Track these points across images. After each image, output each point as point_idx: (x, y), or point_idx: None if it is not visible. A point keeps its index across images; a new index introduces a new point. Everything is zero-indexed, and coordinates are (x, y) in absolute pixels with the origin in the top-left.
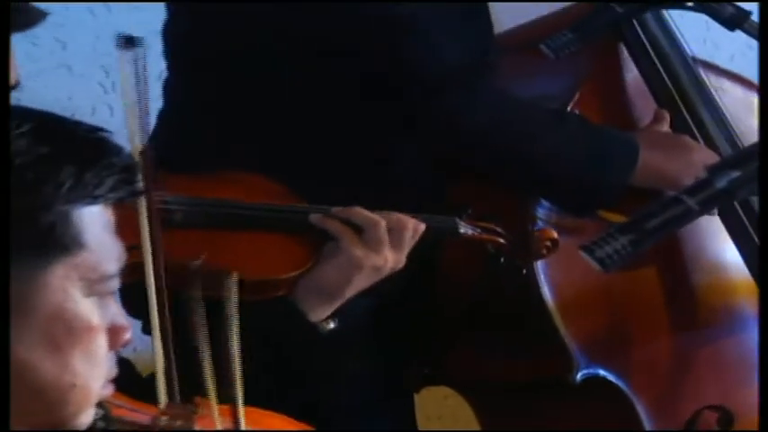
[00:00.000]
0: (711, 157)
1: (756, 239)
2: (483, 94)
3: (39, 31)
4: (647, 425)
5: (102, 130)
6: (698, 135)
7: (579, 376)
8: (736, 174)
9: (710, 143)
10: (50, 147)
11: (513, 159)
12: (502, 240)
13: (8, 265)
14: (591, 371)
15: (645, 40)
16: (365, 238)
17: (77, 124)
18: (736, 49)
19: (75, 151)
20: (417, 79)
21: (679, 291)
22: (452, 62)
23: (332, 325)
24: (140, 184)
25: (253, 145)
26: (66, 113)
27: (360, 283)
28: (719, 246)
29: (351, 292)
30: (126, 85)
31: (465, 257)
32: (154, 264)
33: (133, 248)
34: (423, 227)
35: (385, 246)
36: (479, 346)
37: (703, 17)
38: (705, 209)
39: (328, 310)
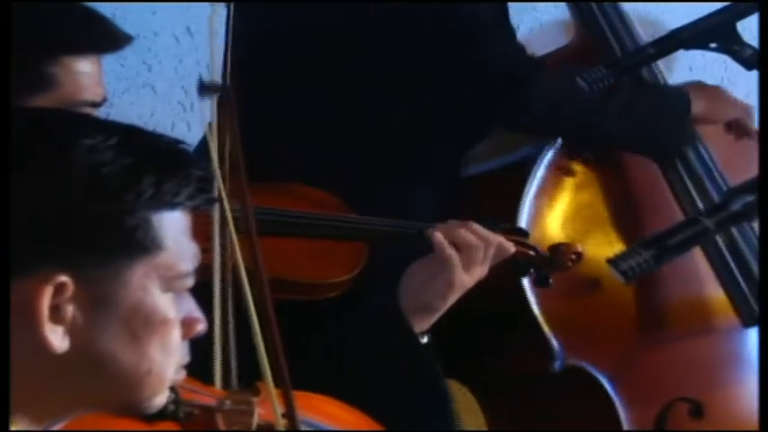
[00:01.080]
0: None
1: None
2: (550, 81)
3: (127, 53)
4: (622, 414)
5: (181, 142)
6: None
7: (558, 366)
8: (750, 198)
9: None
10: (134, 158)
11: (586, 131)
12: (532, 252)
13: (8, 265)
14: (572, 362)
15: None
16: (465, 260)
17: (159, 137)
18: (751, 88)
19: (156, 162)
20: (500, 74)
21: (655, 296)
22: (520, 58)
23: (425, 339)
24: (215, 194)
25: (313, 159)
26: (149, 128)
27: (453, 299)
28: (696, 261)
29: (446, 306)
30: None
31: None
32: (221, 265)
33: (205, 251)
34: (511, 247)
35: (478, 265)
36: (483, 343)
37: (722, 57)
38: (721, 229)
39: (428, 324)
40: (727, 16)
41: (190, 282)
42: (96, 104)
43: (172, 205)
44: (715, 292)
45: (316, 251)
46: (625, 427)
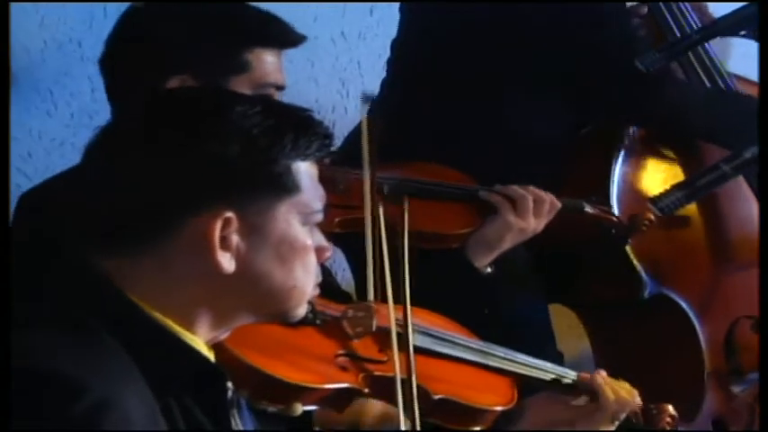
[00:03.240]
0: None
1: None
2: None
3: (293, 53)
4: (699, 329)
5: (309, 110)
6: None
7: (648, 293)
8: (737, 162)
9: None
10: (275, 120)
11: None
12: (614, 219)
13: (8, 267)
14: (659, 290)
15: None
16: (517, 208)
17: (291, 106)
18: None
19: (291, 123)
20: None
21: (720, 234)
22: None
23: (489, 270)
24: (334, 148)
25: (450, 144)
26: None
27: (511, 240)
28: (751, 204)
29: (505, 246)
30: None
31: (585, 227)
32: (372, 209)
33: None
34: (558, 203)
35: (530, 214)
36: (586, 275)
37: None
38: (737, 172)
39: (489, 259)
40: (752, 9)
41: (320, 217)
42: (279, 87)
43: (305, 156)
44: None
45: (447, 211)
46: (701, 339)
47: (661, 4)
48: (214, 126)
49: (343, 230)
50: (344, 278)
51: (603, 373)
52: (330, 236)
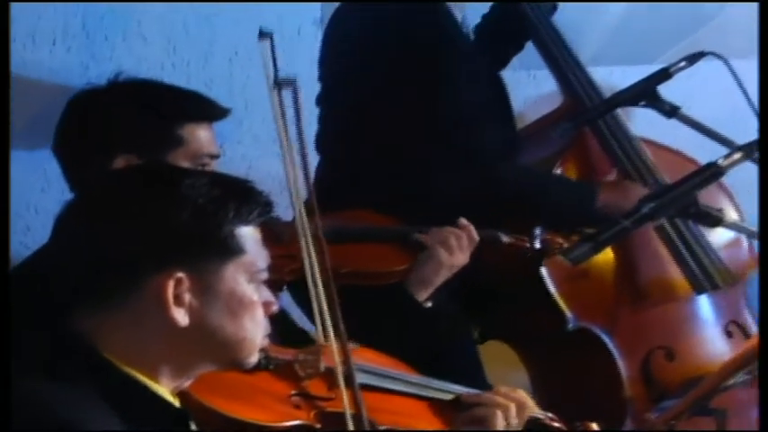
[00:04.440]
0: (644, 192)
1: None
2: (516, 166)
3: None
4: (619, 360)
5: (250, 181)
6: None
7: (571, 327)
8: (654, 204)
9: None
10: (220, 190)
11: (533, 203)
12: (527, 245)
13: (8, 268)
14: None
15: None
16: (445, 245)
17: (235, 178)
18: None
19: (235, 193)
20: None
21: (636, 275)
22: (496, 149)
23: (429, 304)
24: (272, 214)
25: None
26: None
27: (443, 275)
28: (659, 248)
29: (438, 281)
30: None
31: (504, 256)
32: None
33: (291, 256)
34: (476, 236)
35: (456, 249)
36: (512, 312)
37: None
38: (635, 227)
39: (426, 294)
40: (649, 83)
41: (265, 275)
42: (214, 157)
43: (247, 221)
44: (675, 270)
45: (381, 251)
46: (621, 368)
47: (570, 74)
48: (167, 198)
49: (293, 278)
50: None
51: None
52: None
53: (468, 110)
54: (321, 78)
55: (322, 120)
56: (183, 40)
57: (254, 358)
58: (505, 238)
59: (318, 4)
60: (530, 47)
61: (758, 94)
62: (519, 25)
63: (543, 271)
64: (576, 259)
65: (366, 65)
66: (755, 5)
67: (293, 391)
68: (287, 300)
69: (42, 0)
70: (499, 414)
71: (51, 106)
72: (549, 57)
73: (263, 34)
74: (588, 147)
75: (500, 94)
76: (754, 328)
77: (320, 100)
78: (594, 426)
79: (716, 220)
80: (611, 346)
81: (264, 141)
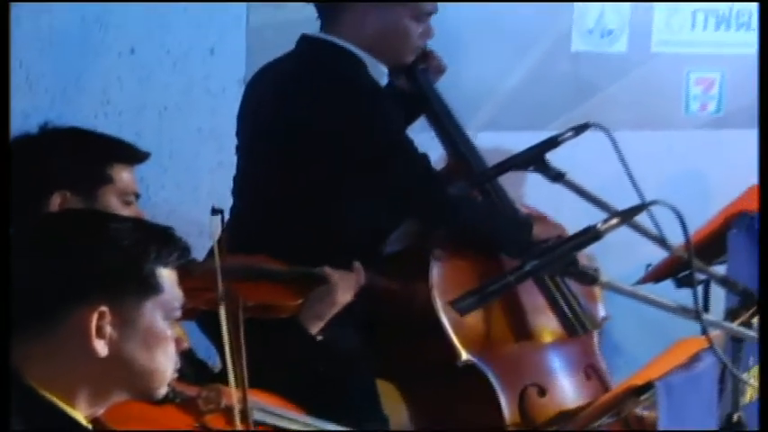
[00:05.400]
0: (554, 228)
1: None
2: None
3: None
4: (500, 393)
5: (170, 227)
6: None
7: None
8: (537, 262)
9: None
10: (143, 234)
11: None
12: (403, 287)
13: (8, 271)
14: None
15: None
16: (340, 283)
17: (156, 225)
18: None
19: (157, 237)
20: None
21: (516, 319)
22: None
23: (320, 337)
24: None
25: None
26: None
27: (334, 311)
28: (537, 296)
29: (329, 316)
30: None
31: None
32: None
33: (207, 289)
34: (363, 278)
35: (348, 288)
36: (403, 347)
37: None
38: (519, 282)
39: (317, 329)
40: (537, 150)
41: (179, 314)
42: (137, 195)
43: (167, 263)
44: (550, 315)
45: (281, 288)
46: (502, 403)
47: (457, 139)
48: (96, 239)
49: (208, 308)
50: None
51: None
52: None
53: (403, 140)
54: (240, 132)
55: (238, 169)
56: (117, 93)
57: (163, 390)
58: (384, 282)
59: (243, 64)
60: None
61: (758, 94)
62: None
63: (438, 306)
64: (462, 309)
65: (283, 120)
66: (629, 87)
67: (195, 424)
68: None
69: (42, 0)
70: None
71: None
72: (437, 120)
73: (215, 211)
74: None
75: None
76: (606, 373)
77: (238, 150)
78: None
79: (592, 278)
80: (495, 382)
81: (185, 189)
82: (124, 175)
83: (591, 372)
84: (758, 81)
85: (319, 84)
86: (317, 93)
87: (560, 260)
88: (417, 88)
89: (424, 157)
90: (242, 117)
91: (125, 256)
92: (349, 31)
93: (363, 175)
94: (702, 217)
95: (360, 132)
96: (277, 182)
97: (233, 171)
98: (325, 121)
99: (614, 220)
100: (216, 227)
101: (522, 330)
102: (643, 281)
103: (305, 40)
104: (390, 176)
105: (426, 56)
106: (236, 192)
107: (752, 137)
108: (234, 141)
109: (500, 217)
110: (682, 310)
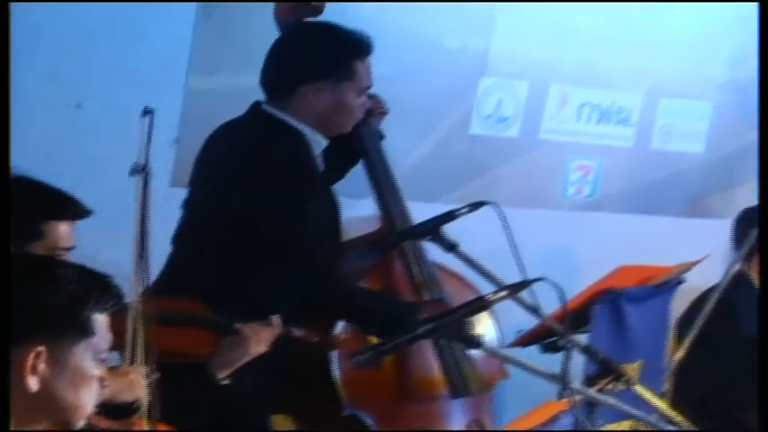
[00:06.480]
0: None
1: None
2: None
3: None
4: None
5: (109, 276)
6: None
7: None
8: (430, 326)
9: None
10: (87, 281)
11: (344, 304)
12: (315, 339)
13: (9, 274)
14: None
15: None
16: (254, 339)
17: (96, 272)
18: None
19: (96, 285)
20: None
21: (403, 377)
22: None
23: (227, 381)
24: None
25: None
26: None
27: (244, 360)
28: (428, 354)
29: (239, 364)
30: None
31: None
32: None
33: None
34: (277, 331)
35: (261, 341)
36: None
37: None
38: (412, 343)
39: (225, 374)
40: (435, 222)
41: (106, 356)
42: (70, 249)
43: (103, 309)
44: (437, 372)
45: (196, 335)
46: None
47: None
48: (43, 283)
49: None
50: None
51: None
52: None
53: (310, 228)
54: (191, 182)
55: (180, 220)
56: (61, 144)
57: (81, 423)
58: (297, 332)
59: (175, 125)
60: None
61: (758, 94)
62: (355, 148)
63: (333, 360)
64: (357, 364)
65: (226, 181)
66: None
67: None
68: None
69: (43, 0)
70: None
71: None
72: (371, 170)
73: (146, 111)
74: (392, 266)
75: (334, 210)
76: (489, 428)
77: (182, 204)
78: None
79: (477, 343)
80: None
81: (112, 235)
82: (59, 230)
83: (474, 426)
84: (758, 81)
85: (260, 165)
86: (257, 172)
87: (451, 325)
88: (358, 138)
89: (329, 257)
90: (194, 171)
91: (68, 301)
92: (299, 107)
93: (276, 257)
94: (569, 289)
95: (280, 223)
96: (210, 235)
97: (151, 219)
98: (255, 198)
99: (503, 292)
100: (139, 186)
101: (408, 386)
102: (513, 344)
103: (259, 112)
104: (295, 267)
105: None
106: (176, 238)
107: (621, 220)
108: (157, 193)
109: (387, 304)
110: (551, 376)
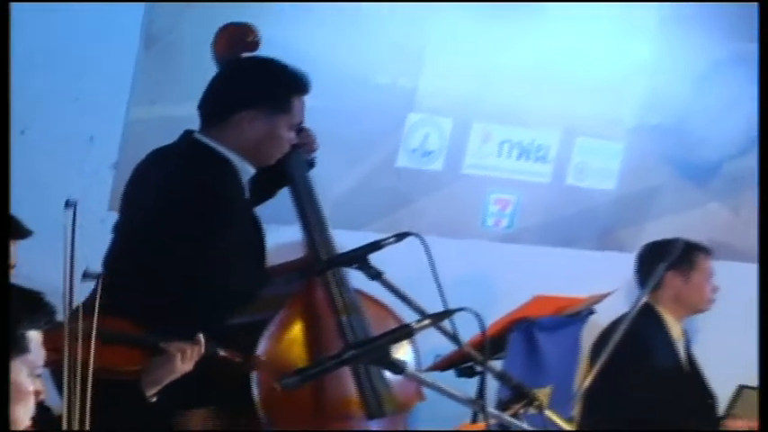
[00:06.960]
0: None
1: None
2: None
3: None
4: None
5: (42, 293)
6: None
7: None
8: (355, 352)
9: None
10: (20, 300)
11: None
12: (238, 359)
13: (8, 278)
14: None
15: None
16: (183, 357)
17: (32, 291)
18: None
19: (30, 303)
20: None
21: (324, 398)
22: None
23: (155, 398)
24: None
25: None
26: None
27: (172, 378)
28: (347, 379)
29: (167, 381)
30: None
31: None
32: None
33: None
34: (203, 349)
35: (187, 358)
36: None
37: None
38: (338, 368)
39: (154, 391)
40: (362, 251)
41: (41, 371)
42: (11, 267)
43: (36, 326)
44: (354, 394)
45: (124, 352)
46: None
47: (315, 232)
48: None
49: (54, 367)
50: None
51: None
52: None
53: (231, 254)
54: (121, 206)
55: (110, 243)
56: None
57: None
58: (222, 352)
59: (115, 151)
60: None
61: (758, 94)
62: (282, 174)
63: (253, 380)
64: (285, 386)
65: (153, 207)
66: None
67: None
68: None
69: (43, 0)
70: None
71: None
72: (301, 211)
73: (68, 204)
74: (315, 292)
75: (259, 236)
76: None
77: (113, 228)
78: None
79: (400, 369)
80: None
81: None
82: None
83: None
84: (758, 81)
85: (186, 191)
86: (182, 198)
87: (375, 352)
88: (286, 165)
89: (249, 281)
90: (124, 196)
91: (12, 324)
92: (232, 135)
93: (198, 281)
94: (486, 317)
95: (201, 248)
96: (138, 259)
97: (88, 241)
98: (179, 223)
99: (426, 321)
100: (68, 219)
101: (325, 405)
102: (431, 368)
103: (189, 140)
104: (216, 291)
105: (299, 132)
106: (107, 260)
107: (537, 252)
108: (95, 216)
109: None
110: (467, 401)
